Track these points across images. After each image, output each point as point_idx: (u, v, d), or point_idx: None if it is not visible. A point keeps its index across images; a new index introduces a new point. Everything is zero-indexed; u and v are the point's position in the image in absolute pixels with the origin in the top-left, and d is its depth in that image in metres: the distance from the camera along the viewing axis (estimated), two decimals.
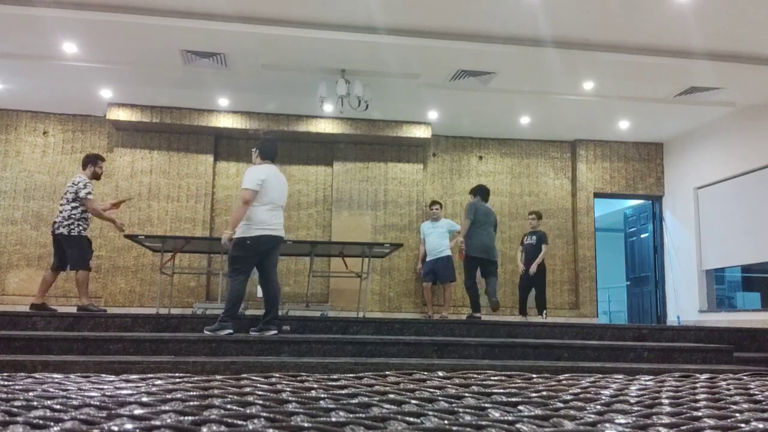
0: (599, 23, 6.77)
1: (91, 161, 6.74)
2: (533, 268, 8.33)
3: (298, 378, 1.88)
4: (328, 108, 8.57)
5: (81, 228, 6.50)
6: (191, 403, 1.35)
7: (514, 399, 1.57)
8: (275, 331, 5.20)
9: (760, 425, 1.29)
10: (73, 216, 6.45)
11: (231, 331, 5.14)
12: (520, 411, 1.43)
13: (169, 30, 6.85)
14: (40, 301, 6.50)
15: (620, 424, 1.29)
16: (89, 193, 6.48)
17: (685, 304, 10.12)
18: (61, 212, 6.49)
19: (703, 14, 6.44)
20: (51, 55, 7.57)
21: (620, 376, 2.30)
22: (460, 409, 1.39)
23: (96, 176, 6.76)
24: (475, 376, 2.10)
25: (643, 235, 11.22)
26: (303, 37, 7.01)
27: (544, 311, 8.44)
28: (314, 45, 7.19)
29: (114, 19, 6.64)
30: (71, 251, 6.47)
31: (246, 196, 5.17)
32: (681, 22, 6.62)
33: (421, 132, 9.94)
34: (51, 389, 1.56)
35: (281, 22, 6.87)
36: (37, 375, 1.90)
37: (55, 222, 6.53)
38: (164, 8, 6.62)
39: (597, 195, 10.70)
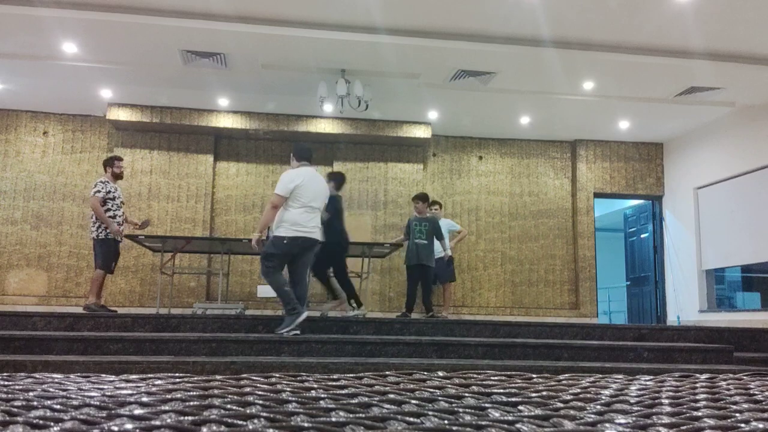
0: (599, 23, 6.77)
1: (108, 164, 7.11)
2: None
3: (298, 378, 1.88)
4: (328, 108, 8.57)
5: (101, 230, 6.81)
6: (191, 403, 1.35)
7: (514, 399, 1.57)
8: (298, 332, 5.15)
9: (760, 425, 1.29)
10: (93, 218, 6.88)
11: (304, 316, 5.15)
12: (520, 411, 1.43)
13: (169, 30, 6.85)
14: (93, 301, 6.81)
15: (620, 424, 1.29)
16: (98, 191, 6.79)
17: (685, 304, 10.11)
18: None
19: (703, 14, 6.44)
20: (51, 55, 7.57)
21: (620, 376, 2.30)
22: (460, 409, 1.39)
23: (116, 176, 7.09)
24: (475, 376, 2.10)
25: (643, 235, 11.22)
26: (303, 37, 7.00)
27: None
28: (314, 45, 7.19)
29: (114, 19, 6.64)
30: (94, 251, 6.94)
31: (275, 201, 5.31)
32: (681, 22, 6.62)
33: (421, 132, 9.94)
34: (51, 389, 1.56)
35: (281, 22, 6.87)
36: (37, 375, 1.90)
37: None
38: (164, 8, 6.62)
39: (597, 195, 10.70)
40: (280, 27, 6.89)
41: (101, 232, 6.78)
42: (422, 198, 7.71)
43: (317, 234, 5.39)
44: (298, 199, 5.26)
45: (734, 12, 6.39)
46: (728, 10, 6.35)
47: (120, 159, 7.21)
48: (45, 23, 6.71)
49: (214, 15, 6.72)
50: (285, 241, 5.24)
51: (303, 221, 5.26)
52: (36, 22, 6.69)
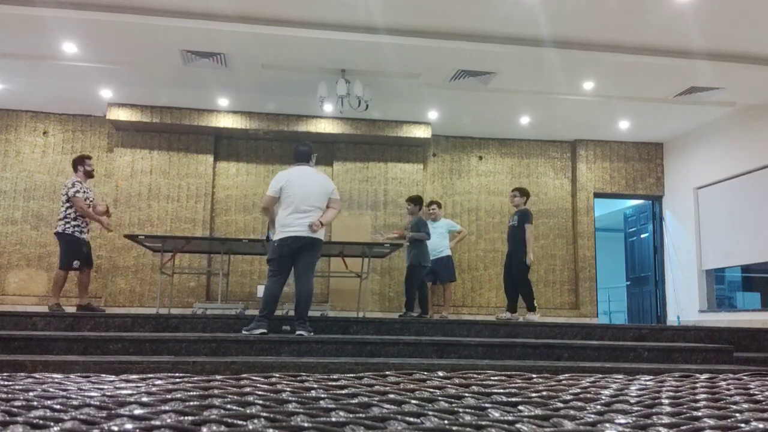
0: (599, 23, 6.77)
1: (78, 163, 7.06)
2: None
3: (298, 378, 1.88)
4: (328, 108, 8.57)
5: (74, 228, 6.80)
6: (191, 403, 1.35)
7: (514, 399, 1.57)
8: (302, 332, 5.17)
9: (760, 425, 1.29)
10: (68, 216, 6.80)
11: (264, 330, 5.16)
12: (520, 411, 1.43)
13: (169, 30, 6.85)
14: (56, 301, 6.89)
15: (620, 424, 1.29)
16: (77, 192, 6.79)
17: (685, 304, 10.11)
18: (59, 213, 6.90)
19: (703, 14, 6.44)
20: (51, 55, 7.57)
21: (620, 376, 2.30)
22: (460, 409, 1.39)
23: (89, 175, 7.09)
24: (475, 376, 2.10)
25: (643, 235, 11.22)
26: (303, 37, 7.01)
27: None
28: (314, 45, 7.19)
29: (114, 19, 6.64)
30: (59, 249, 6.90)
31: (262, 202, 5.52)
32: (681, 22, 6.62)
33: (421, 132, 9.94)
34: (51, 389, 1.56)
35: (281, 22, 6.87)
36: (37, 375, 1.90)
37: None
38: (164, 8, 6.62)
39: (597, 195, 10.70)
40: (280, 27, 6.89)
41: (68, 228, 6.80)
42: (411, 200, 8.09)
43: (308, 232, 5.34)
44: (286, 200, 5.37)
45: (734, 12, 6.39)
46: (728, 10, 6.35)
47: (89, 158, 7.19)
48: (45, 23, 6.71)
49: (214, 15, 6.72)
50: (276, 244, 5.40)
51: (291, 222, 5.33)
52: (36, 22, 6.69)
